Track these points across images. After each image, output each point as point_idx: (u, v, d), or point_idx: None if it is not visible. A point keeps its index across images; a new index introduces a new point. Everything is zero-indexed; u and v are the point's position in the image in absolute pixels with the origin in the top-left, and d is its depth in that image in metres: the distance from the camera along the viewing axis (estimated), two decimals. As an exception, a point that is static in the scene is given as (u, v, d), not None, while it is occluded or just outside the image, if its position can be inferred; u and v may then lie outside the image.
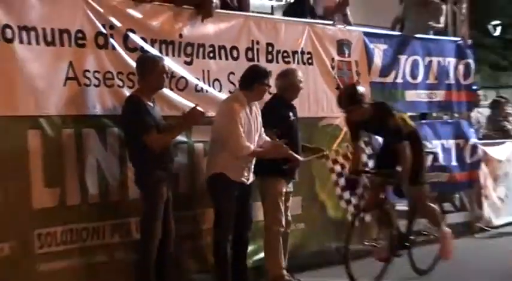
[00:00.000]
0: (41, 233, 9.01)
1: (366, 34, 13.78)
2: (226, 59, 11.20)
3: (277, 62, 11.82)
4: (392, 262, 10.77)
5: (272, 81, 11.02)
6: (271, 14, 15.46)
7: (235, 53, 11.32)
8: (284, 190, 11.06)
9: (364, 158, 12.71)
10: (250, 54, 11.46)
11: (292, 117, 11.25)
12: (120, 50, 9.92)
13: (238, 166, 10.30)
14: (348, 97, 10.54)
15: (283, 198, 11.05)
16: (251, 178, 10.55)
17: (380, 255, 11.02)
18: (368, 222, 11.84)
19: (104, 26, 9.77)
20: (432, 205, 11.62)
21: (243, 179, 10.37)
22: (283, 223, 10.99)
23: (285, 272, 10.93)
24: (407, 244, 11.40)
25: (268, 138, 10.64)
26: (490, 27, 28.44)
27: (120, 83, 9.90)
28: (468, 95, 15.75)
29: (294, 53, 12.27)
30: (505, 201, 16.09)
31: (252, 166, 10.49)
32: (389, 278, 10.87)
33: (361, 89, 10.77)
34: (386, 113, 10.70)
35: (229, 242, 10.46)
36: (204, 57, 10.98)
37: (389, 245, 11.03)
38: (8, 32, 8.77)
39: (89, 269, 9.49)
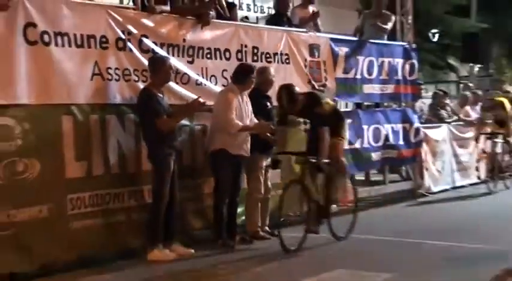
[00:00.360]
0: (72, 197, 9.13)
1: (332, 39, 13.80)
2: (221, 59, 11.26)
3: (261, 61, 11.83)
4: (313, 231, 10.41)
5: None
6: (256, 23, 15.35)
7: (227, 55, 11.39)
8: (264, 164, 11.23)
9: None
10: (239, 56, 11.52)
11: (269, 106, 11.40)
12: (135, 51, 9.98)
13: (236, 142, 10.50)
14: (286, 96, 10.36)
15: (263, 171, 11.23)
16: (248, 151, 10.76)
17: (306, 226, 10.46)
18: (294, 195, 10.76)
19: (123, 32, 9.84)
20: (344, 159, 11.24)
21: (243, 152, 10.65)
22: (262, 191, 11.18)
23: (259, 229, 11.18)
24: (325, 215, 10.90)
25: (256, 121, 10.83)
26: (430, 34, 28.37)
27: (136, 78, 9.97)
28: (413, 88, 15.86)
29: (275, 54, 12.32)
30: (441, 172, 16.29)
31: (249, 143, 10.73)
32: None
33: (296, 88, 10.64)
34: (315, 102, 10.54)
35: (225, 204, 10.63)
36: (202, 58, 11.05)
37: (309, 216, 10.50)
38: (46, 37, 8.85)
39: (110, 227, 9.61)
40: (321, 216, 10.76)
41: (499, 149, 16.29)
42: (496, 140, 16.57)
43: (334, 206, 11.62)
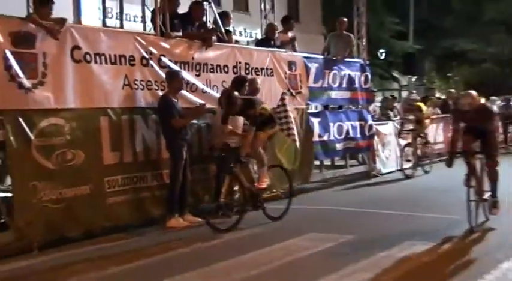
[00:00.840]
0: (108, 179, 9.22)
1: (305, 57, 13.73)
2: (221, 73, 11.19)
3: (252, 74, 11.73)
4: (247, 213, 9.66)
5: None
6: (247, 45, 15.28)
7: (226, 69, 11.33)
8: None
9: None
10: (235, 70, 11.43)
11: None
12: (156, 67, 9.97)
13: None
14: (225, 100, 9.77)
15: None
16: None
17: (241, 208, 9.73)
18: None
19: (146, 53, 9.85)
20: (262, 151, 10.11)
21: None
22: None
23: None
24: (258, 200, 10.02)
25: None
26: (378, 53, 28.59)
27: (156, 88, 9.95)
28: (367, 94, 15.75)
29: (262, 69, 12.21)
30: (388, 158, 16.23)
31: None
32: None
33: (235, 93, 9.86)
34: (249, 106, 9.76)
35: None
36: (207, 72, 10.99)
37: (242, 201, 9.73)
38: (87, 56, 8.93)
39: (137, 201, 9.66)
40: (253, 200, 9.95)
41: (417, 142, 16.24)
42: (414, 134, 16.55)
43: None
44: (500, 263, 6.93)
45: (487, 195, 9.23)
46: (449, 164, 9.35)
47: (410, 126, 16.67)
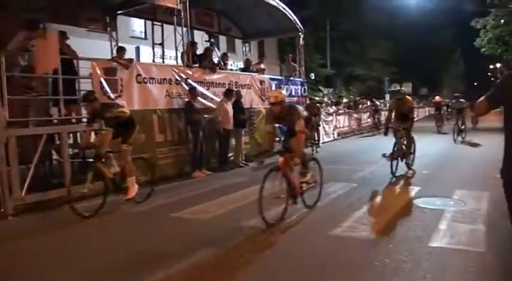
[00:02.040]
0: (159, 150, 9.27)
1: (270, 78, 13.59)
2: (222, 87, 11.03)
3: (238, 88, 11.50)
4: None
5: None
6: (235, 71, 15.24)
7: (225, 86, 11.13)
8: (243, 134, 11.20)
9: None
10: (229, 86, 11.19)
11: (244, 107, 11.34)
12: (183, 85, 9.95)
13: (227, 123, 10.39)
14: (84, 97, 6.78)
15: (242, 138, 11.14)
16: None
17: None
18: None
19: (178, 77, 9.87)
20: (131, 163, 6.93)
21: (229, 127, 10.44)
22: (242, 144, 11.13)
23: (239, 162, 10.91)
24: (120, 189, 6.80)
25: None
26: (310, 76, 28.68)
27: (184, 97, 9.88)
28: (305, 99, 15.37)
29: (245, 85, 12.08)
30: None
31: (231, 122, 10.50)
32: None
33: (96, 96, 7.00)
34: (106, 109, 6.70)
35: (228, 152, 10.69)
36: (213, 87, 10.89)
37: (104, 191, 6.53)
38: (145, 79, 9.05)
39: (176, 162, 9.65)
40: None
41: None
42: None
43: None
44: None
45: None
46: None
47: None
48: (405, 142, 8.95)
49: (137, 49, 16.03)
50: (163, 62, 12.29)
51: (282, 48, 26.82)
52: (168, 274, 3.98)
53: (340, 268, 4.08)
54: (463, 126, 15.58)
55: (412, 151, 9.25)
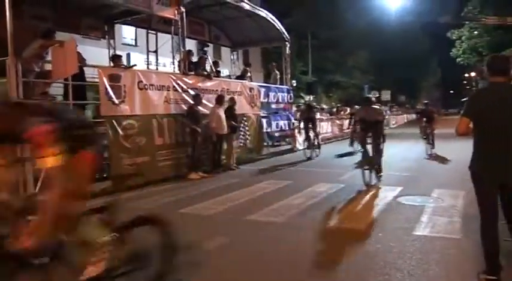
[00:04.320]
0: (159, 152, 9.57)
1: (259, 85, 14.04)
2: (214, 94, 11.20)
3: (230, 95, 11.82)
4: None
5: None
6: (230, 78, 15.52)
7: (217, 92, 11.40)
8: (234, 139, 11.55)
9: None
10: (221, 92, 11.48)
11: (236, 112, 11.51)
12: (180, 91, 10.26)
13: (219, 128, 10.63)
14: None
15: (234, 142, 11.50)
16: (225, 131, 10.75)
17: None
18: None
19: (176, 83, 10.20)
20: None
21: (221, 131, 10.66)
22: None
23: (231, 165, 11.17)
24: None
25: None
26: (292, 82, 29.25)
27: (181, 103, 10.23)
28: (290, 106, 15.80)
29: (236, 91, 12.39)
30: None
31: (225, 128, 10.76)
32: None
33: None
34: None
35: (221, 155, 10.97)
36: (207, 94, 11.13)
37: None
38: (146, 86, 9.42)
39: (174, 164, 9.91)
40: None
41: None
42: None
43: None
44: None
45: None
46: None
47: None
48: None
49: (128, 56, 16.43)
50: (157, 69, 12.63)
51: (266, 56, 27.49)
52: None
53: (340, 251, 4.72)
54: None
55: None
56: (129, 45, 17.78)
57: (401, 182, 8.74)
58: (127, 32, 17.76)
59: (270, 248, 4.85)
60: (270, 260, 4.44)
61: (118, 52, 11.42)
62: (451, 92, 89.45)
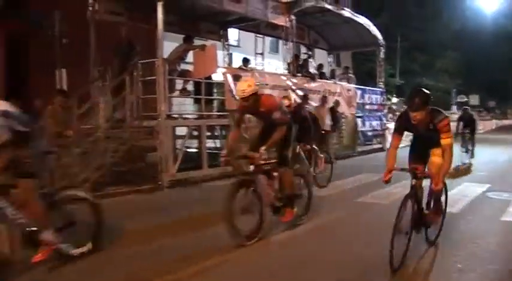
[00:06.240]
0: None
1: (356, 87, 14.26)
2: (318, 94, 11.57)
3: (331, 96, 12.08)
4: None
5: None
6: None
7: (319, 93, 11.83)
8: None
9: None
10: (324, 93, 11.84)
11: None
12: (290, 91, 10.77)
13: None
14: None
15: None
16: None
17: None
18: None
19: (286, 84, 10.92)
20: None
21: None
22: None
23: None
24: None
25: None
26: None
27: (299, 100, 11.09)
28: (383, 107, 16.09)
29: (336, 92, 12.71)
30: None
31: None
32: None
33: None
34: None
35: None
36: (312, 94, 11.33)
37: None
38: (261, 85, 9.87)
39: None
40: None
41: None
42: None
43: None
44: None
45: None
46: None
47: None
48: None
49: (230, 56, 17.71)
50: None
51: (356, 59, 27.85)
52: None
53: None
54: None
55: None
56: (232, 46, 19.03)
57: (489, 180, 9.18)
58: (231, 34, 19.01)
59: (376, 220, 5.73)
60: (377, 228, 5.25)
61: (223, 52, 12.46)
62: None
